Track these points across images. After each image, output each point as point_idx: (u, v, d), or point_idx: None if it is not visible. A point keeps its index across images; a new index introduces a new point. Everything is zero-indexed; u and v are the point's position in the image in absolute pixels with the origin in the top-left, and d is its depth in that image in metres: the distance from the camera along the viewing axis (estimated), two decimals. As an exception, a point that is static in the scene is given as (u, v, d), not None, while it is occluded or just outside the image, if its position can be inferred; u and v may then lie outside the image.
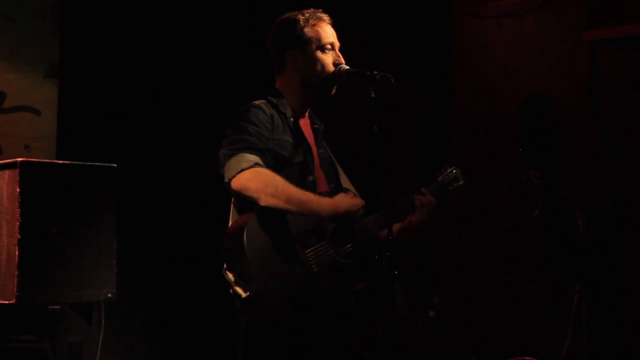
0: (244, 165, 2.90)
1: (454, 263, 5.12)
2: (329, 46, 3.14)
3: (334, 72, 3.12)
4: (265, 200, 2.89)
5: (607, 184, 4.51)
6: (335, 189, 3.18)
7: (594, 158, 4.54)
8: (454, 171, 3.32)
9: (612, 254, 4.44)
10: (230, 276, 2.88)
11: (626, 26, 4.32)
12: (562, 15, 4.75)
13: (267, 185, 2.89)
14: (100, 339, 3.80)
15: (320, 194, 3.06)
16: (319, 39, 3.13)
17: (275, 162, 3.02)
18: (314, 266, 2.94)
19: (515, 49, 4.94)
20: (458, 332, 4.96)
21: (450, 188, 3.29)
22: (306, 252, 2.95)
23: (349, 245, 3.04)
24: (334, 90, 3.17)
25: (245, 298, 2.83)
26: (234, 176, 2.91)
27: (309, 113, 3.26)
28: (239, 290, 2.84)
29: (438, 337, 4.78)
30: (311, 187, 3.05)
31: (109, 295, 3.78)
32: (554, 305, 4.60)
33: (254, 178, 2.89)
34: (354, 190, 3.23)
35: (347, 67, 3.12)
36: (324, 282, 2.94)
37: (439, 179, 3.31)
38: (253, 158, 2.93)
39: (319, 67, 3.13)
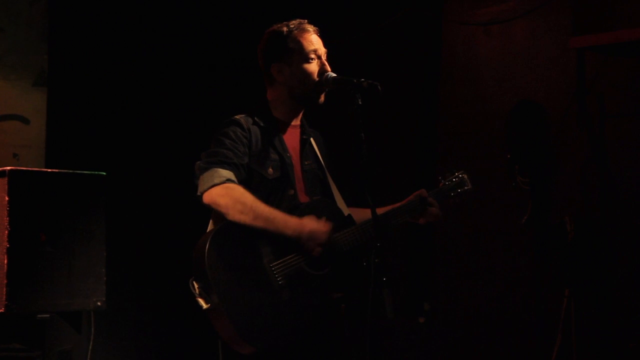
0: (216, 181, 2.99)
1: (444, 269, 5.12)
2: (312, 55, 3.15)
3: (319, 80, 3.14)
4: (233, 216, 2.97)
5: (595, 190, 4.52)
6: (319, 200, 3.19)
7: (582, 164, 4.56)
8: (461, 175, 3.33)
9: (601, 259, 4.46)
10: (196, 286, 2.92)
11: (613, 32, 4.34)
12: (550, 22, 4.77)
13: (236, 202, 2.97)
14: (90, 347, 3.80)
15: (298, 206, 3.10)
16: (302, 50, 3.15)
17: (252, 178, 3.09)
18: (278, 279, 2.99)
19: (504, 55, 4.96)
20: (447, 339, 4.97)
21: (452, 194, 3.29)
22: (273, 264, 3.01)
23: (324, 257, 3.06)
24: (322, 99, 3.18)
25: (206, 309, 2.91)
26: (206, 190, 3.00)
27: (300, 123, 3.27)
28: (200, 301, 2.91)
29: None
30: (290, 201, 3.10)
31: (99, 303, 3.78)
32: (544, 311, 4.61)
33: (224, 194, 2.97)
34: (341, 201, 3.24)
35: (334, 75, 3.13)
36: (288, 294, 2.99)
37: (440, 184, 3.31)
38: (226, 173, 3.01)
39: (303, 77, 3.15)
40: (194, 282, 2.92)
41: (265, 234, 3.00)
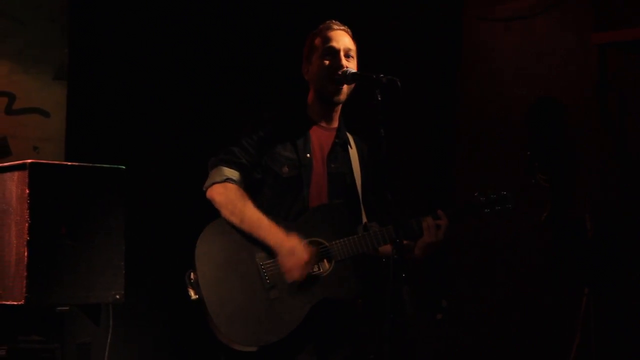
0: (217, 179, 3.12)
1: (462, 266, 5.11)
2: (328, 52, 3.17)
3: (332, 76, 3.14)
4: (224, 215, 3.10)
5: (615, 187, 4.49)
6: (328, 205, 3.19)
7: (602, 161, 4.53)
8: (505, 193, 3.22)
9: (620, 257, 4.43)
10: (192, 277, 3.03)
11: (635, 29, 4.31)
12: (571, 18, 4.74)
13: (229, 202, 3.08)
14: (109, 340, 3.81)
15: (307, 209, 3.12)
16: (319, 47, 3.19)
17: (268, 176, 3.15)
18: (267, 278, 3.03)
19: (524, 51, 4.93)
20: (465, 336, 4.96)
21: (487, 210, 3.19)
22: (263, 263, 3.04)
23: (323, 261, 3.08)
24: (340, 96, 3.18)
25: (194, 300, 3.02)
26: (208, 187, 3.15)
27: (337, 126, 3.27)
28: (190, 292, 3.03)
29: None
30: (302, 201, 3.13)
31: (117, 296, 3.79)
32: (562, 309, 4.58)
33: (221, 193, 3.11)
34: (362, 210, 3.24)
35: (353, 71, 3.13)
36: (276, 293, 3.02)
37: (474, 199, 3.21)
38: (228, 172, 3.12)
39: (318, 73, 3.18)
40: (191, 273, 3.03)
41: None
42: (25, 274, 3.55)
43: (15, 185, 3.66)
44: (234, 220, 3.06)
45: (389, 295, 2.78)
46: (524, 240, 4.81)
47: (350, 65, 3.17)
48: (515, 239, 4.85)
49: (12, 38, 4.87)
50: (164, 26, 5.23)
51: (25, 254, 3.56)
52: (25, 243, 3.57)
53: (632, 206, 4.44)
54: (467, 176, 5.02)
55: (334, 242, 3.07)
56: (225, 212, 3.08)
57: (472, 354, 4.93)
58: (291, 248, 3.00)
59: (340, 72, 3.13)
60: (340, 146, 3.25)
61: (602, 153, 4.54)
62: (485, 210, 3.20)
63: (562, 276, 4.62)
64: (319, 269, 3.06)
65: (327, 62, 3.16)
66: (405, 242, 3.09)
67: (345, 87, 3.16)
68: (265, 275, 3.03)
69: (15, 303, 3.59)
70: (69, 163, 3.84)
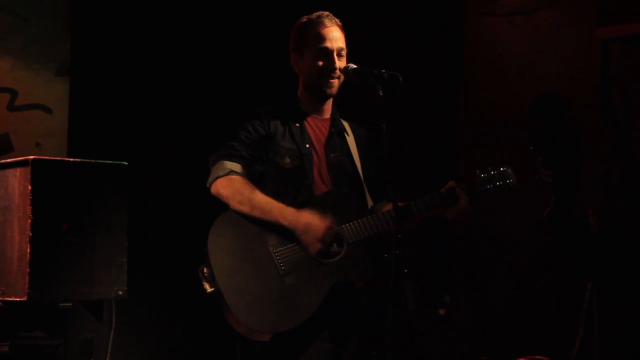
0: (220, 173, 3.14)
1: (466, 261, 5.11)
2: (322, 51, 3.19)
3: (326, 75, 3.16)
4: (233, 206, 3.10)
5: (619, 183, 4.49)
6: (334, 191, 3.20)
7: (605, 156, 4.52)
8: (503, 169, 3.27)
9: (623, 252, 4.43)
10: (205, 271, 3.02)
11: (639, 23, 4.30)
12: (574, 13, 4.73)
13: (236, 192, 3.09)
14: (111, 336, 3.81)
15: (313, 197, 3.14)
16: (313, 44, 3.20)
17: (270, 168, 3.17)
18: (281, 265, 3.04)
19: (527, 46, 4.92)
20: (469, 331, 4.95)
21: (489, 186, 3.24)
22: (277, 251, 3.05)
23: (334, 246, 3.10)
24: (335, 89, 3.19)
25: (209, 293, 3.02)
26: (212, 183, 3.16)
27: (331, 116, 3.27)
28: (205, 285, 3.03)
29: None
30: (307, 190, 3.15)
31: (120, 292, 3.79)
32: (566, 304, 4.58)
33: (226, 186, 3.11)
34: (367, 194, 3.24)
35: (354, 67, 3.14)
36: (292, 280, 3.03)
37: (476, 177, 3.26)
38: (230, 165, 3.13)
39: (311, 71, 3.20)
40: (204, 268, 3.03)
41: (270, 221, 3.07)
42: (27, 270, 3.55)
43: (18, 182, 3.66)
44: (244, 209, 3.07)
45: (391, 291, 2.78)
46: (527, 235, 4.81)
47: (342, 65, 3.20)
48: (518, 234, 4.85)
49: (15, 34, 4.87)
50: (166, 24, 5.22)
51: (28, 250, 3.56)
52: (27, 239, 3.57)
53: (636, 201, 4.43)
54: (470, 172, 5.01)
55: (344, 226, 3.08)
56: (234, 203, 3.09)
57: (474, 347, 4.93)
58: (306, 224, 3.03)
59: (334, 74, 3.17)
60: (336, 135, 3.27)
61: (605, 148, 4.53)
62: (488, 186, 3.23)
63: (565, 271, 4.61)
64: (331, 254, 3.08)
65: (320, 63, 3.18)
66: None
67: (336, 82, 3.20)
68: (280, 262, 3.05)
69: (17, 299, 3.59)
70: (71, 159, 3.83)
